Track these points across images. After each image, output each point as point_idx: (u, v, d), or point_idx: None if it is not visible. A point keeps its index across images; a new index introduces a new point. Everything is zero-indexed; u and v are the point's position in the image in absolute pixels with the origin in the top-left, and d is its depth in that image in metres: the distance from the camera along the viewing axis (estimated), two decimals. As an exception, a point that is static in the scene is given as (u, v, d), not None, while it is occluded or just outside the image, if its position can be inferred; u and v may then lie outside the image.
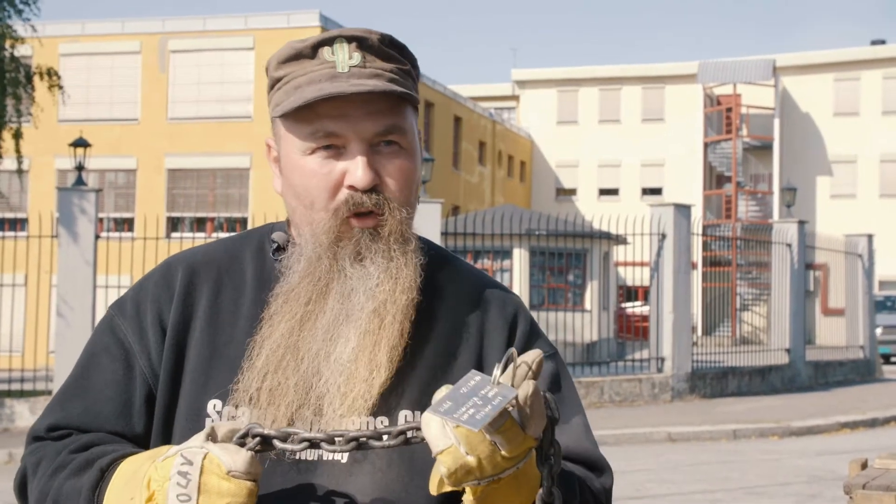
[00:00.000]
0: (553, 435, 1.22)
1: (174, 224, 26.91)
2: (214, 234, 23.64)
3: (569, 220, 23.20)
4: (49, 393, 13.84)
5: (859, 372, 21.39)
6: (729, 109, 40.68)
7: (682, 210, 16.65)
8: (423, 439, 1.20)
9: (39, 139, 24.00)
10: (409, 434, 1.22)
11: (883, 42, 41.83)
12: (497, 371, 1.18)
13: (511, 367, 1.19)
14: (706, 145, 41.19)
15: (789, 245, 19.10)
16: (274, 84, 1.45)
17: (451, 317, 1.47)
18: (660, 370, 16.26)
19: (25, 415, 13.52)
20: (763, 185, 41.32)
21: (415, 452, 1.33)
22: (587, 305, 22.61)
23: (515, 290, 18.55)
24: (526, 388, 1.17)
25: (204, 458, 1.20)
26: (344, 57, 1.41)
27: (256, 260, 1.50)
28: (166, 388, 1.42)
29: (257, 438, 1.23)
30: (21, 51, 17.29)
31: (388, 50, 1.43)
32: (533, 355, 1.21)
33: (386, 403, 1.37)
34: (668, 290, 16.17)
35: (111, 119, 27.48)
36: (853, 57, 40.88)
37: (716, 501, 8.65)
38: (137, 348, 1.44)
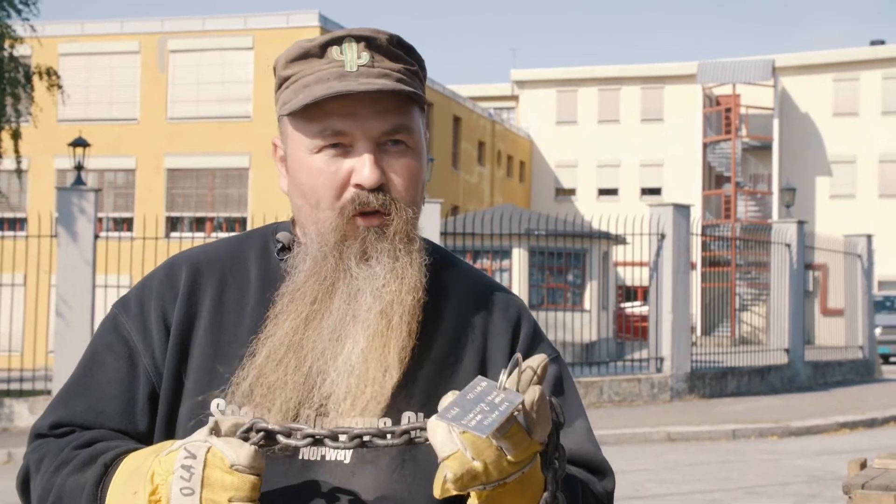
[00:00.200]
0: (558, 439, 1.23)
1: (173, 224, 26.90)
2: (214, 234, 23.63)
3: (568, 220, 23.20)
4: (48, 393, 13.83)
5: (858, 372, 21.40)
6: (728, 109, 40.69)
7: (682, 210, 16.65)
8: (426, 440, 1.21)
9: (39, 139, 23.99)
10: (413, 434, 1.22)
11: (882, 42, 41.84)
12: (503, 376, 1.18)
13: (516, 371, 1.20)
14: (705, 145, 41.20)
15: (788, 245, 19.10)
16: (282, 83, 1.45)
17: (454, 318, 1.47)
18: (659, 370, 16.26)
19: (24, 414, 13.51)
20: (762, 186, 41.33)
21: (418, 453, 1.34)
22: (586, 305, 22.62)
23: (514, 290, 18.54)
24: (532, 394, 1.18)
25: (207, 451, 1.20)
26: (352, 56, 1.41)
27: (261, 259, 1.50)
28: (170, 387, 1.42)
29: (261, 433, 1.24)
30: (20, 50, 17.28)
31: (397, 50, 1.44)
32: (538, 360, 1.22)
33: (391, 404, 1.37)
34: (668, 290, 16.17)
35: (110, 119, 27.47)
36: (852, 57, 40.89)
37: (715, 501, 8.65)
38: (141, 346, 1.44)
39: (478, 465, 1.16)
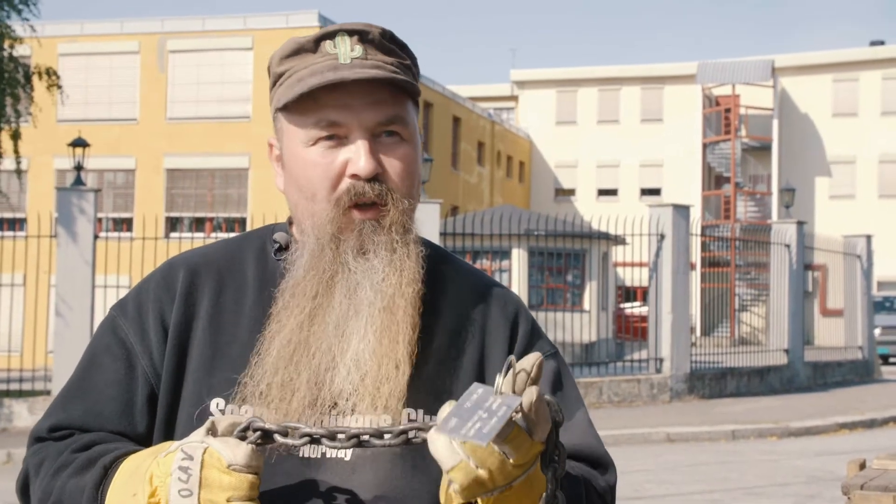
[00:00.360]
0: (557, 438, 1.23)
1: (173, 224, 26.91)
2: (213, 235, 23.62)
3: (567, 221, 23.20)
4: (48, 393, 13.83)
5: (858, 372, 21.40)
6: (728, 110, 40.68)
7: (681, 210, 16.64)
8: (424, 439, 1.20)
9: (38, 139, 23.99)
10: (411, 434, 1.22)
11: (882, 43, 41.84)
12: (499, 380, 1.17)
13: (511, 373, 1.19)
14: (705, 146, 41.19)
15: (788, 246, 19.10)
16: (276, 80, 1.45)
17: (453, 313, 1.47)
18: (658, 371, 16.26)
19: (24, 415, 13.51)
20: (762, 186, 41.32)
21: (418, 451, 1.33)
22: (586, 306, 22.62)
23: (514, 290, 18.49)
24: (529, 396, 1.17)
25: (204, 452, 1.20)
26: (346, 49, 1.41)
27: (258, 260, 1.50)
28: (168, 388, 1.42)
29: (258, 432, 1.23)
30: (20, 51, 17.29)
31: (389, 45, 1.44)
32: (531, 360, 1.20)
33: (398, 400, 1.36)
34: (667, 290, 16.17)
35: (110, 119, 27.47)
36: (852, 58, 40.89)
37: (714, 502, 8.65)
38: (139, 348, 1.44)
39: (483, 473, 1.16)
